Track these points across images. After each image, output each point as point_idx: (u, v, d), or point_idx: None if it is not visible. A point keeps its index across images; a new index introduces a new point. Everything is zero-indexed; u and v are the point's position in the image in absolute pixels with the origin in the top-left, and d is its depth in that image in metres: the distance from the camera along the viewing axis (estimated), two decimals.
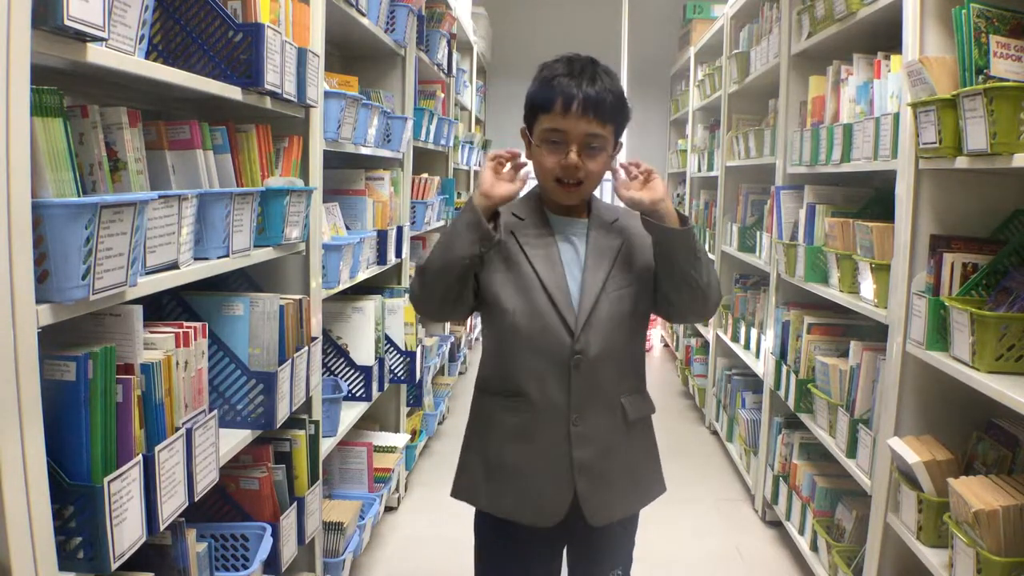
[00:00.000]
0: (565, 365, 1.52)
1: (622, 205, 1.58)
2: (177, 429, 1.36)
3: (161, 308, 1.75)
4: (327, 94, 2.19)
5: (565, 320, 1.52)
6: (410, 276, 3.50)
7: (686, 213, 1.51)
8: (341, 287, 2.34)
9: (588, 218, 1.59)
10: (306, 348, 1.95)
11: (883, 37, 2.27)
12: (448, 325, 4.81)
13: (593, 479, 1.56)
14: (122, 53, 1.20)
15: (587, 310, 1.52)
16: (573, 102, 1.45)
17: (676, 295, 1.55)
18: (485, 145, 6.23)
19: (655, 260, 1.54)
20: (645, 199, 1.48)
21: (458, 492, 1.66)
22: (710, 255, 4.40)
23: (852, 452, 2.28)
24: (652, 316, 1.64)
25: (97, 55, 1.13)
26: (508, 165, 1.52)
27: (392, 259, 3.01)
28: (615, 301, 1.54)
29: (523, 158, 1.55)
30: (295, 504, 1.96)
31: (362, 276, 2.61)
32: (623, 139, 1.59)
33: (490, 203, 1.48)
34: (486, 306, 1.57)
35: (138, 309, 1.27)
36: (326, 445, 2.32)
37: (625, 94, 1.54)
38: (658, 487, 1.69)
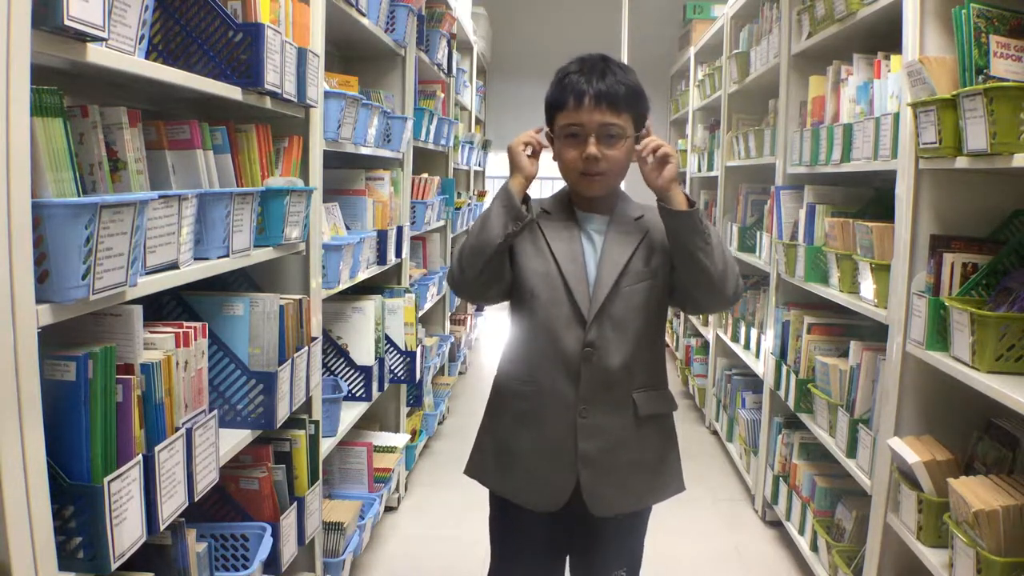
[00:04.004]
0: (576, 356, 1.55)
1: (651, 203, 1.61)
2: (177, 429, 1.36)
3: (161, 308, 1.75)
4: (327, 94, 2.19)
5: (580, 311, 1.55)
6: (409, 277, 3.50)
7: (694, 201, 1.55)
8: (341, 287, 2.34)
9: (612, 215, 1.63)
10: (306, 348, 1.95)
11: (883, 37, 2.27)
12: (448, 325, 4.82)
13: (596, 471, 1.58)
14: (122, 53, 1.20)
15: (599, 302, 1.55)
16: (585, 96, 1.51)
17: (691, 283, 1.57)
18: (485, 145, 6.23)
19: (670, 247, 1.57)
20: (656, 183, 1.52)
21: (469, 470, 1.73)
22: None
23: (852, 452, 2.28)
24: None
25: (97, 55, 1.13)
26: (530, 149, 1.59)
27: (392, 259, 3.01)
28: (630, 295, 1.57)
29: (543, 137, 1.61)
30: (295, 504, 1.96)
31: (362, 276, 2.61)
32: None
33: (525, 182, 1.56)
34: (514, 292, 1.62)
35: (138, 309, 1.27)
36: (326, 445, 2.32)
37: (640, 86, 1.57)
38: (673, 486, 1.70)
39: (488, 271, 1.56)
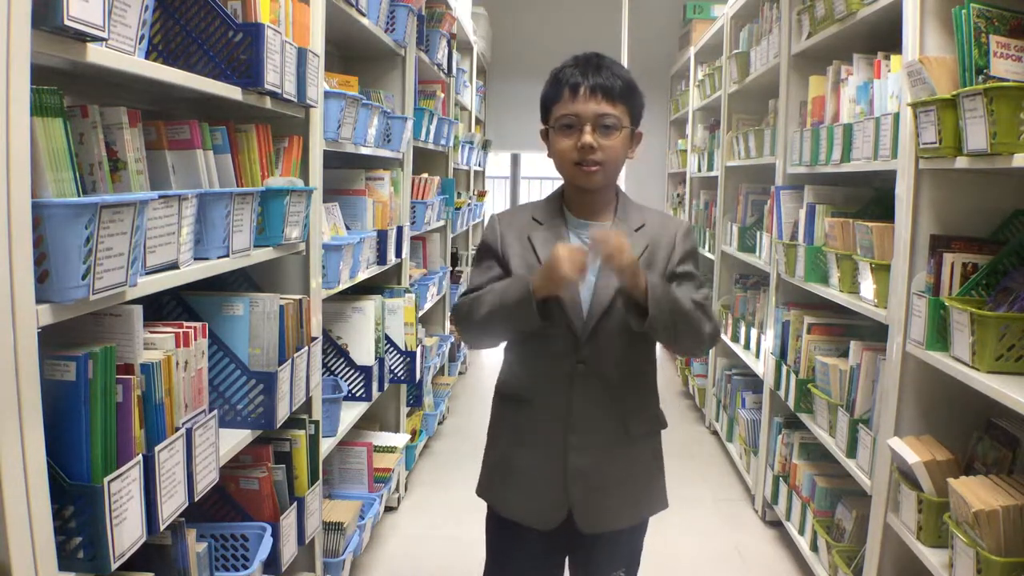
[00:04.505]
0: (568, 373, 1.54)
1: (653, 208, 1.58)
2: (177, 429, 1.36)
3: (161, 308, 1.75)
4: (327, 94, 2.19)
5: (572, 328, 1.53)
6: (409, 277, 3.50)
7: (657, 292, 1.45)
8: (341, 287, 2.34)
9: (613, 221, 1.58)
10: (306, 348, 1.95)
11: (883, 37, 2.27)
12: (448, 325, 4.82)
13: (587, 487, 1.57)
14: (122, 53, 1.20)
15: (595, 319, 1.53)
16: (580, 87, 1.50)
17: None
18: (485, 145, 6.23)
19: None
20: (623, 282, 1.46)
21: (479, 491, 1.73)
22: (710, 254, 4.42)
23: (852, 452, 2.28)
24: None
25: (97, 55, 1.13)
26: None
27: (392, 259, 3.01)
28: (625, 312, 1.52)
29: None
30: (295, 504, 1.96)
31: (362, 276, 2.61)
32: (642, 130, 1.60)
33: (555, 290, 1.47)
34: None
35: (138, 309, 1.27)
36: (326, 445, 2.32)
37: (635, 82, 1.56)
38: (657, 504, 1.69)
39: (499, 338, 1.62)
